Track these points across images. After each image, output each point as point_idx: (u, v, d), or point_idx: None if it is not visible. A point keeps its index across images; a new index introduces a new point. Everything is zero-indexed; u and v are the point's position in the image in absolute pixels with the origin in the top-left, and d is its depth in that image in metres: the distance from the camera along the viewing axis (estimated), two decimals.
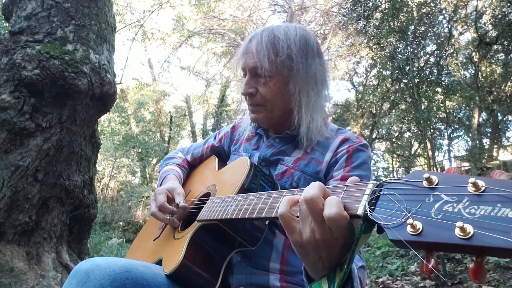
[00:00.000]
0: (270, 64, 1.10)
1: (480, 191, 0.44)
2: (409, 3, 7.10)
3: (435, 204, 0.47)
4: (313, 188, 0.63)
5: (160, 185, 1.31)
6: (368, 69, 11.91)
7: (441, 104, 7.61)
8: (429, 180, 0.50)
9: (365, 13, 7.58)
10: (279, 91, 1.14)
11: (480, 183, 0.45)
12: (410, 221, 0.47)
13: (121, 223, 8.56)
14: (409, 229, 0.47)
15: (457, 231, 0.42)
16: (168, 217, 1.14)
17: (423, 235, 0.46)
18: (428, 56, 7.91)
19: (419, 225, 0.46)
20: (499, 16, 7.21)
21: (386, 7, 7.00)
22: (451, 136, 10.60)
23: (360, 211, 0.56)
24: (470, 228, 0.42)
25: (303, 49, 1.14)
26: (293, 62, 1.12)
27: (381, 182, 0.58)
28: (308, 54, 1.15)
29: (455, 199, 0.46)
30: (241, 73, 1.21)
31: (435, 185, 0.49)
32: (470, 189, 0.45)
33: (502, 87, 9.27)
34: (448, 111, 8.84)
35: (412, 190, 0.51)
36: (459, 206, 0.45)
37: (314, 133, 1.14)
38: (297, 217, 0.65)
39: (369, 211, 0.54)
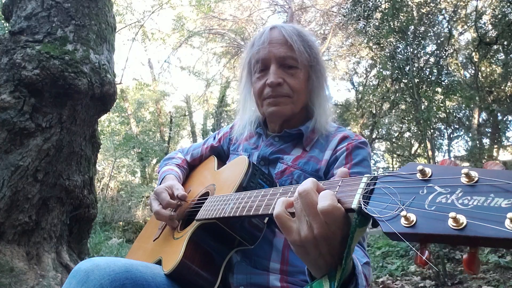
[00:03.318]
0: (304, 55, 1.13)
1: (473, 182, 0.44)
2: (409, 3, 7.10)
3: (429, 196, 0.47)
4: (306, 182, 0.63)
5: (160, 185, 1.31)
6: (368, 69, 11.93)
7: (441, 104, 7.61)
8: (422, 172, 0.50)
9: (365, 13, 7.59)
10: (305, 83, 1.17)
11: (473, 174, 0.45)
12: (403, 213, 0.47)
13: (121, 223, 8.56)
14: (403, 221, 0.47)
15: (450, 222, 0.43)
16: (172, 213, 1.14)
17: (417, 227, 0.46)
18: (428, 56, 7.91)
19: (412, 217, 0.46)
20: (499, 16, 7.21)
21: (386, 7, 7.00)
22: (451, 136, 10.60)
23: (354, 205, 0.56)
24: (463, 219, 0.42)
25: (318, 48, 1.21)
26: (318, 57, 1.18)
27: (375, 175, 0.58)
28: (319, 53, 1.21)
29: (449, 190, 0.46)
30: (256, 65, 1.17)
31: (429, 177, 0.49)
32: (463, 180, 0.45)
33: (502, 87, 9.26)
34: (448, 111, 8.84)
35: (406, 183, 0.52)
36: (452, 197, 0.45)
37: (321, 130, 1.17)
38: (293, 217, 0.64)
39: (363, 204, 0.54)
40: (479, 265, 0.43)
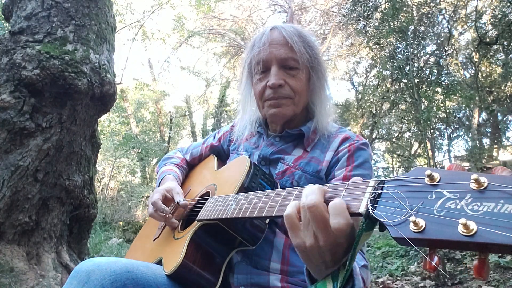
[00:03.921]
0: (305, 56, 1.12)
1: (483, 187, 0.44)
2: (409, 3, 7.10)
3: (438, 201, 0.47)
4: (314, 193, 0.62)
5: (159, 185, 1.30)
6: (368, 69, 11.94)
7: (441, 104, 7.61)
8: (431, 177, 0.49)
9: (365, 13, 7.59)
10: (306, 84, 1.16)
11: (483, 179, 0.44)
12: (412, 218, 0.47)
13: (121, 223, 8.56)
14: (411, 226, 0.47)
15: (460, 228, 0.42)
16: (166, 214, 1.13)
17: (426, 232, 0.45)
18: (428, 56, 7.92)
19: (421, 222, 0.46)
20: (499, 16, 7.21)
21: (386, 7, 7.01)
22: (451, 136, 10.61)
23: (362, 209, 0.56)
24: (473, 225, 0.42)
25: (318, 48, 1.21)
26: (318, 57, 1.17)
27: (382, 179, 0.57)
28: (320, 54, 1.21)
29: (458, 196, 0.46)
30: (257, 67, 1.16)
31: (437, 182, 0.49)
32: (473, 185, 0.45)
33: (502, 87, 9.27)
34: (448, 111, 8.85)
35: (414, 188, 0.51)
36: (461, 203, 0.44)
37: (322, 130, 1.17)
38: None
39: (371, 208, 0.54)
40: (489, 270, 0.43)
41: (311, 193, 0.63)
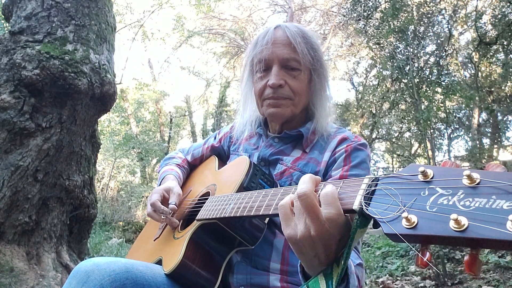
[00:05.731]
0: (307, 57, 1.12)
1: (475, 183, 0.44)
2: (409, 3, 7.10)
3: (430, 197, 0.47)
4: (305, 183, 0.63)
5: (159, 185, 1.31)
6: (368, 69, 11.94)
7: (441, 104, 7.60)
8: (424, 173, 0.50)
9: (365, 13, 7.60)
10: (306, 86, 1.16)
11: (475, 175, 0.45)
12: (405, 214, 0.47)
13: (121, 223, 8.57)
14: (404, 222, 0.47)
15: (451, 224, 0.42)
16: (163, 217, 1.13)
17: (418, 228, 0.46)
18: (428, 56, 7.92)
19: (414, 218, 0.46)
20: (499, 16, 7.20)
21: (386, 7, 7.01)
22: (451, 136, 10.60)
23: (355, 206, 0.56)
24: (464, 220, 0.42)
25: (321, 49, 1.20)
26: (321, 59, 1.16)
27: (376, 176, 0.58)
28: (323, 56, 1.20)
29: (450, 192, 0.46)
30: (258, 65, 1.15)
31: (430, 178, 0.49)
32: (465, 181, 0.45)
33: (502, 87, 9.27)
34: (448, 111, 8.83)
35: (408, 184, 0.51)
36: (454, 199, 0.45)
37: (321, 131, 1.17)
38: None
39: (365, 205, 0.54)
40: (480, 266, 0.43)
41: (303, 182, 0.63)
